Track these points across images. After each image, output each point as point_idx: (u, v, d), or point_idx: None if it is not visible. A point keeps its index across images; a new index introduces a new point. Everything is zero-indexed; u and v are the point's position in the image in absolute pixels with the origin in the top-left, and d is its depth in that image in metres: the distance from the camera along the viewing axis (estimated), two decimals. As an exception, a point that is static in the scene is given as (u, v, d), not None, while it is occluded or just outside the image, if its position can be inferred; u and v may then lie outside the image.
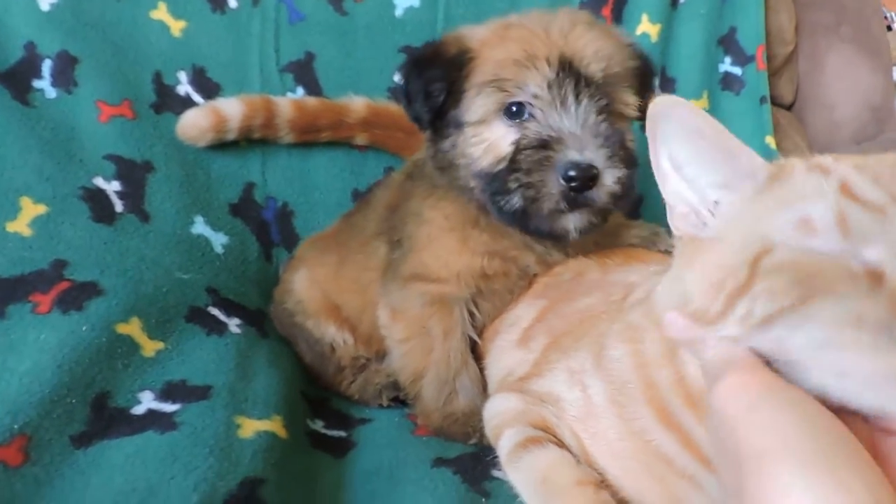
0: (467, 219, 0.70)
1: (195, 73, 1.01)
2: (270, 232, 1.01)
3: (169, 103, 0.98)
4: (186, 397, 0.62)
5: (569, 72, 0.63)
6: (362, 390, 0.81)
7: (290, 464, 0.59)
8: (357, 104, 1.02)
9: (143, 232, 0.85)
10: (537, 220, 0.64)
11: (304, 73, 1.07)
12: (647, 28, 1.20)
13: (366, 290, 0.79)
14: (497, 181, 0.64)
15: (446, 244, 0.70)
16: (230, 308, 0.84)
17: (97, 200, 0.84)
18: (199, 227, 0.92)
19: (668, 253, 0.71)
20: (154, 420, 0.58)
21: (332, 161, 1.06)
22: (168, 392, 0.63)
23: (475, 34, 0.69)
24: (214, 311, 0.81)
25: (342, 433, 0.72)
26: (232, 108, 0.95)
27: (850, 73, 1.41)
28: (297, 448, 0.63)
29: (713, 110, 1.22)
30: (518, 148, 0.63)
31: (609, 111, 0.65)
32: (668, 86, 1.22)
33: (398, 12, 1.14)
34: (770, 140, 1.16)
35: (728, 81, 1.23)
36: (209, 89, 1.02)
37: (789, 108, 1.45)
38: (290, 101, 1.00)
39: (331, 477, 0.62)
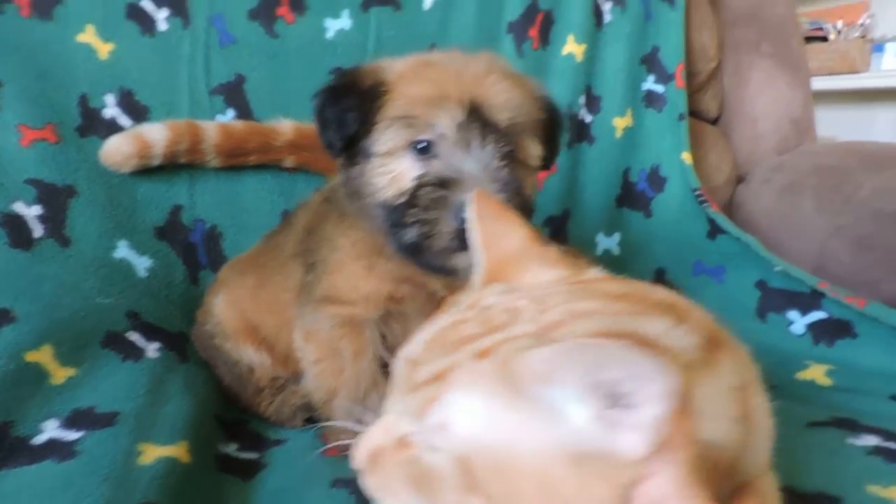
0: (374, 247, 0.72)
1: (123, 96, 1.02)
2: (198, 254, 1.03)
3: (95, 126, 0.99)
4: (91, 425, 0.63)
5: (477, 116, 0.64)
6: (279, 412, 0.83)
7: (192, 489, 0.61)
8: (285, 127, 1.04)
9: (62, 257, 0.86)
10: (429, 256, 0.66)
11: (234, 95, 1.09)
12: (572, 48, 1.24)
13: (283, 310, 0.81)
14: (396, 214, 0.66)
15: (354, 270, 0.72)
16: (150, 332, 0.85)
17: (14, 226, 0.84)
18: (123, 251, 0.93)
19: None
20: (54, 449, 0.59)
21: (261, 183, 1.08)
22: (73, 420, 0.64)
23: (393, 67, 0.70)
24: (133, 337, 0.82)
25: (254, 455, 0.74)
26: (156, 134, 0.96)
27: (772, 88, 1.47)
28: (202, 472, 0.65)
29: (637, 127, 1.27)
30: (419, 184, 0.65)
31: (512, 158, 0.67)
32: (594, 103, 1.27)
33: (329, 35, 1.16)
34: (686, 156, 1.21)
35: (651, 99, 1.28)
36: (137, 112, 1.03)
37: (714, 122, 1.50)
38: (216, 126, 1.01)
39: (237, 500, 0.64)
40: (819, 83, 2.94)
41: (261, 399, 0.85)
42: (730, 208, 1.42)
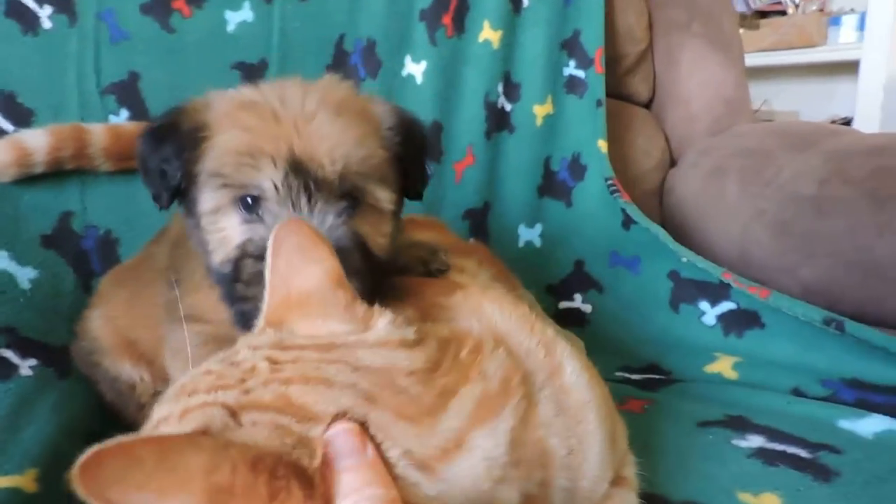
0: None
1: (4, 99, 0.98)
2: (91, 262, 0.99)
3: (-27, 132, 0.95)
4: (-70, 457, 0.60)
5: (299, 172, 0.56)
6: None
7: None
8: (178, 126, 1.00)
9: (-70, 273, 0.82)
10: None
11: (127, 94, 1.05)
12: (489, 35, 1.20)
13: (158, 325, 0.77)
14: (223, 284, 0.59)
15: (211, 295, 0.66)
16: (28, 348, 0.82)
17: None
18: (3, 262, 0.89)
19: (440, 272, 0.71)
20: None
21: None
22: (-87, 452, 0.61)
23: (218, 106, 0.62)
24: (7, 353, 0.79)
25: (123, 476, 0.71)
26: (37, 141, 0.92)
27: (703, 68, 1.44)
28: (49, 501, 0.62)
29: (558, 114, 1.24)
30: (241, 253, 0.57)
31: (358, 206, 0.60)
32: (513, 91, 1.23)
33: (230, 28, 1.11)
34: (602, 144, 1.18)
35: (572, 85, 1.24)
36: (20, 116, 0.98)
37: (647, 106, 1.47)
38: (104, 128, 0.97)
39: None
40: (778, 58, 2.92)
41: (143, 415, 0.82)
42: (661, 193, 1.40)
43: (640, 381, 0.92)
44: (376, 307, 0.44)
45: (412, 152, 0.65)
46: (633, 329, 1.05)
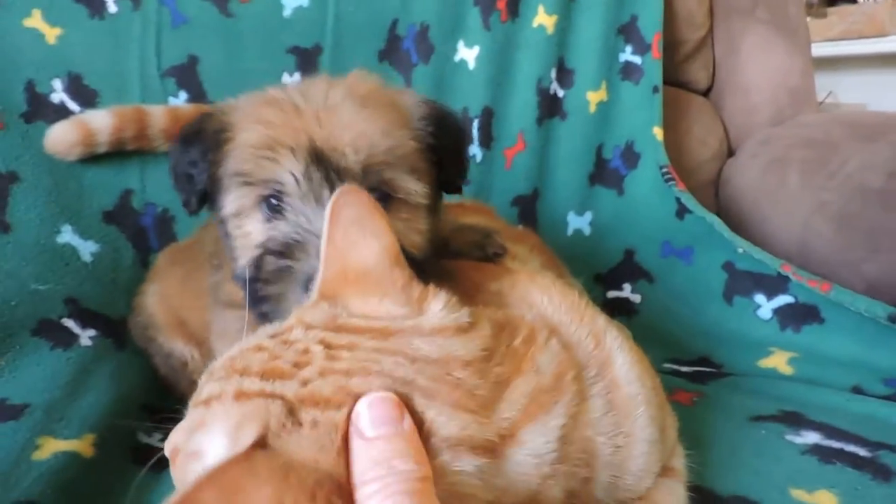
0: None
1: (71, 80, 1.01)
2: (149, 238, 1.02)
3: (42, 112, 0.98)
4: (-3, 418, 0.63)
5: (321, 163, 0.54)
6: None
7: (88, 483, 0.61)
8: (234, 108, 1.02)
9: (0, 244, 0.86)
10: None
11: (186, 77, 1.07)
12: (543, 20, 1.18)
13: (207, 308, 0.78)
14: (248, 289, 0.56)
15: None
16: (88, 319, 0.85)
17: (-48, 215, 0.85)
18: (67, 236, 0.93)
19: (497, 256, 0.70)
20: (-45, 443, 0.60)
21: None
22: (-18, 412, 0.65)
23: (242, 106, 0.61)
24: (69, 323, 0.82)
25: (174, 446, 0.73)
26: (101, 121, 0.95)
27: (767, 55, 1.39)
28: (106, 466, 0.65)
29: (612, 100, 1.21)
30: (263, 251, 0.55)
31: (386, 201, 0.57)
32: (567, 77, 1.21)
33: (286, 12, 1.13)
34: (657, 131, 1.15)
35: (628, 71, 1.22)
36: (86, 97, 1.02)
37: (705, 94, 1.43)
38: (163, 110, 1.00)
39: (140, 492, 0.63)
40: (845, 47, 2.79)
41: (193, 391, 0.84)
42: (717, 184, 1.36)
43: (690, 374, 0.90)
44: (431, 288, 0.43)
45: (447, 143, 0.63)
46: (683, 321, 1.02)
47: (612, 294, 1.13)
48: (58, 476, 0.58)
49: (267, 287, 0.54)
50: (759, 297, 0.97)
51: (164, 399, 0.85)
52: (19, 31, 0.99)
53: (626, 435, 0.47)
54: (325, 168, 0.54)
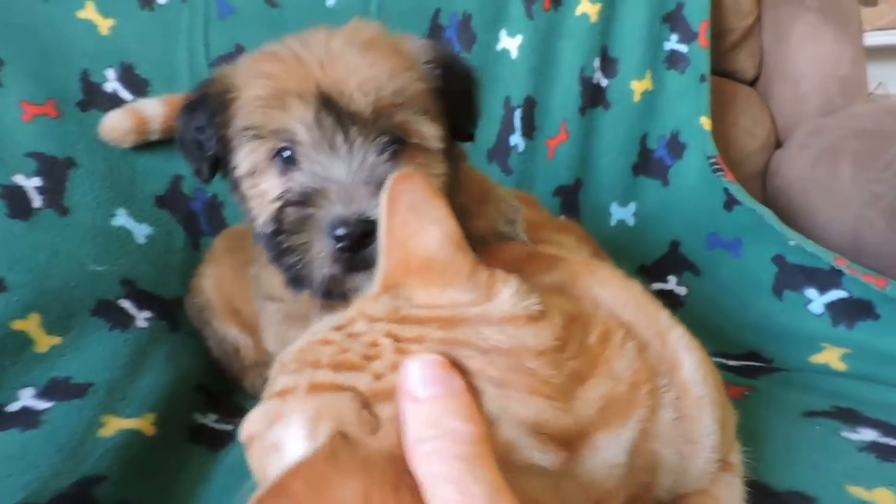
0: None
1: (123, 70, 1.04)
2: (199, 222, 1.04)
3: (96, 101, 1.01)
4: (63, 395, 0.66)
5: (330, 109, 0.53)
6: (253, 385, 0.84)
7: (150, 460, 0.63)
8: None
9: (59, 226, 0.88)
10: (317, 288, 0.55)
11: (234, 66, 1.09)
12: (586, 8, 1.17)
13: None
14: (269, 244, 0.55)
15: (272, 271, 0.66)
16: (144, 300, 0.87)
17: (14, 197, 0.87)
18: (122, 219, 0.95)
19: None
20: (22, 418, 0.62)
21: None
22: (48, 390, 0.67)
23: (242, 65, 0.60)
24: (125, 304, 0.84)
25: (229, 427, 0.75)
26: (153, 110, 0.97)
27: (816, 44, 1.35)
28: (166, 444, 0.66)
29: (657, 90, 1.19)
30: (283, 203, 0.54)
31: (402, 146, 0.56)
32: (610, 66, 1.20)
33: (330, 2, 1.14)
34: (704, 121, 1.13)
35: (673, 60, 1.20)
36: (137, 86, 1.04)
37: (752, 83, 1.40)
38: (212, 97, 1.01)
39: (198, 471, 0.65)
40: None
41: (245, 375, 0.86)
42: (764, 176, 1.33)
43: (738, 368, 0.88)
44: (500, 273, 0.41)
45: (455, 86, 0.61)
46: (730, 314, 1.00)
47: (656, 286, 1.11)
48: (122, 452, 0.60)
49: (290, 238, 0.53)
50: (811, 292, 0.95)
51: (217, 380, 0.87)
52: (73, 23, 1.02)
53: (692, 442, 0.46)
54: (336, 113, 0.53)
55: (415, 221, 0.42)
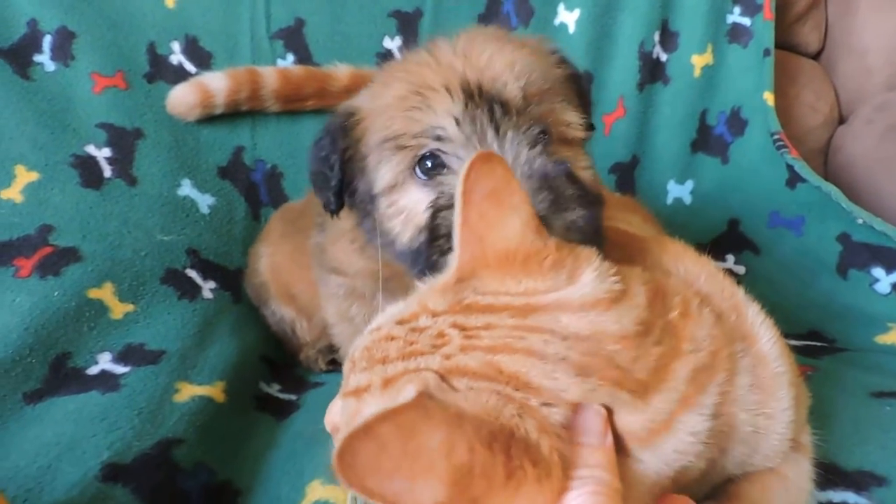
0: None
1: (188, 42, 1.06)
2: (259, 193, 1.06)
3: (162, 73, 1.03)
4: (139, 361, 0.68)
5: (479, 98, 0.49)
6: (307, 357, 0.86)
7: (222, 426, 0.65)
8: (341, 72, 1.04)
9: (128, 195, 0.91)
10: None
11: (294, 39, 1.10)
12: (647, -20, 1.15)
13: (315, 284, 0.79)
14: (420, 259, 0.52)
15: (345, 246, 0.68)
16: (208, 269, 0.90)
17: (87, 167, 0.90)
18: (186, 189, 0.98)
19: None
20: (102, 381, 0.65)
21: (320, 124, 1.03)
22: (124, 355, 0.70)
23: (363, 93, 0.59)
24: (192, 273, 0.87)
25: (292, 397, 0.77)
26: (218, 83, 0.99)
27: (885, 16, 1.30)
28: (235, 411, 0.69)
29: (718, 65, 1.17)
30: (435, 211, 0.51)
31: (547, 139, 0.52)
32: (670, 40, 1.18)
33: (391, -23, 1.13)
34: (768, 96, 1.10)
35: (736, 33, 1.16)
36: (201, 58, 1.06)
37: (815, 57, 1.36)
38: (275, 71, 1.03)
39: (266, 437, 0.67)
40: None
41: (301, 350, 0.88)
42: (827, 151, 1.30)
43: (800, 348, 0.87)
44: (584, 253, 0.40)
45: (578, 77, 0.59)
46: (791, 294, 0.99)
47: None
48: (197, 417, 0.63)
49: (449, 243, 0.48)
50: (878, 271, 0.92)
51: (278, 352, 0.90)
52: (142, -4, 1.04)
53: (767, 416, 0.45)
54: (486, 101, 0.49)
55: (494, 212, 0.40)
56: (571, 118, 0.54)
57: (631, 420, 0.36)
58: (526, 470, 0.32)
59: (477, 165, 0.40)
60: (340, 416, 0.40)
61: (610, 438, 0.35)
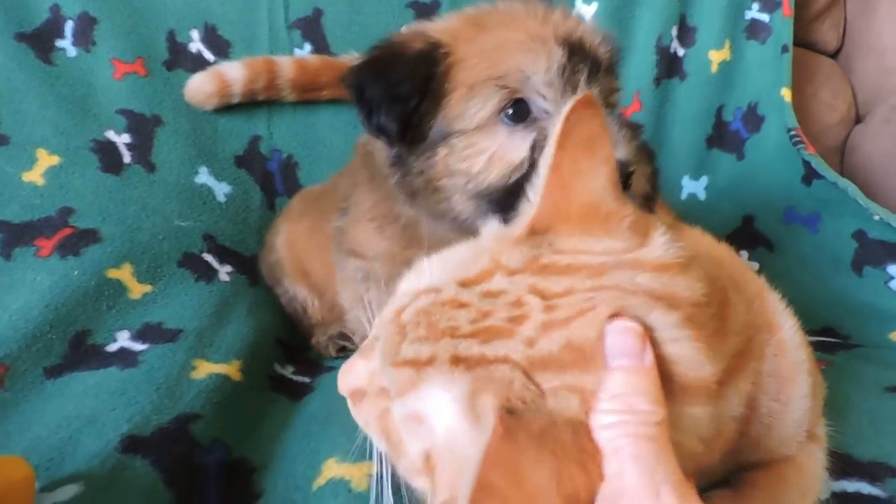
0: (388, 212, 0.67)
1: (207, 31, 1.06)
2: (275, 182, 1.07)
3: (181, 60, 1.04)
4: (157, 339, 0.69)
5: (580, 55, 0.54)
6: (318, 342, 0.87)
7: (238, 403, 0.65)
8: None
9: (147, 181, 0.92)
10: None
11: (311, 29, 1.10)
12: (666, -25, 1.14)
13: (329, 259, 0.80)
14: (514, 195, 0.50)
15: (367, 228, 0.69)
16: (224, 255, 0.90)
17: (107, 152, 0.91)
18: (203, 176, 0.99)
19: None
20: (121, 357, 0.65)
21: (335, 115, 1.10)
22: (142, 333, 0.70)
23: (439, 27, 0.59)
24: (208, 258, 0.88)
25: (306, 379, 0.78)
26: (235, 73, 1.00)
27: (906, 16, 1.29)
28: (251, 390, 0.69)
29: (736, 60, 1.16)
30: (534, 151, 0.54)
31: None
32: (688, 35, 1.17)
33: (406, -34, 1.14)
34: (785, 92, 1.10)
35: (754, 29, 1.16)
36: (220, 46, 1.07)
37: (834, 55, 1.35)
38: (291, 61, 1.03)
39: (280, 417, 0.67)
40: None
41: (311, 332, 0.88)
42: (843, 150, 1.29)
43: (815, 344, 0.86)
44: (654, 218, 0.39)
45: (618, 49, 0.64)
46: (806, 290, 0.98)
47: (727, 260, 1.10)
48: (214, 394, 0.63)
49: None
50: (893, 268, 0.92)
51: (293, 335, 0.90)
52: (162, -17, 1.04)
53: (782, 402, 0.45)
54: (584, 60, 0.54)
55: (586, 160, 0.37)
56: (617, 86, 0.60)
57: (694, 361, 0.34)
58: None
59: (579, 108, 0.37)
60: (376, 379, 0.38)
61: (649, 357, 0.32)
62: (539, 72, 0.53)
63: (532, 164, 0.52)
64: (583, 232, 0.37)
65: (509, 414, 0.30)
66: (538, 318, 0.33)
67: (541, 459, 0.29)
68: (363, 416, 0.41)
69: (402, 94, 0.56)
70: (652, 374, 0.32)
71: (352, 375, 0.41)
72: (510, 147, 0.54)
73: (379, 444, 0.39)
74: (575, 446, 0.30)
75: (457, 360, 0.33)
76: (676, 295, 0.35)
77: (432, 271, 0.39)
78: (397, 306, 0.38)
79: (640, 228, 0.37)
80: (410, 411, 0.34)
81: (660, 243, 0.36)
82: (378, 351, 0.37)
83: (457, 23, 0.59)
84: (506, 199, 0.53)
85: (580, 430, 0.30)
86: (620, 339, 0.32)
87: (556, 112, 0.52)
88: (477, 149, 0.55)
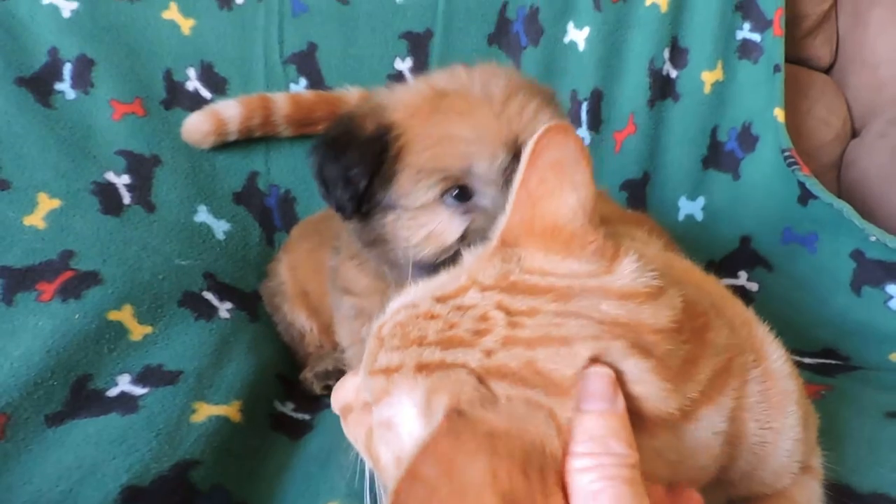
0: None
1: (203, 69, 1.08)
2: (273, 218, 1.08)
3: (179, 99, 1.05)
4: (157, 382, 0.70)
5: (517, 152, 0.56)
6: (305, 377, 0.87)
7: (238, 446, 0.66)
8: (352, 95, 1.06)
9: (147, 222, 0.93)
10: None
11: (306, 64, 1.12)
12: (656, -1, 1.15)
13: (326, 281, 0.82)
14: (431, 266, 0.58)
15: (350, 266, 0.72)
16: (225, 292, 0.91)
17: (107, 194, 0.93)
18: (202, 215, 1.00)
19: None
20: (122, 402, 0.66)
21: None
22: (143, 376, 0.71)
23: (398, 101, 0.62)
24: (208, 296, 0.89)
25: (306, 416, 0.78)
26: (231, 111, 1.01)
27: (898, 30, 1.30)
28: (251, 431, 0.70)
29: (728, 80, 1.17)
30: (465, 236, 0.58)
31: None
32: (680, 57, 1.18)
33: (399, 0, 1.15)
34: (778, 112, 1.10)
35: (746, 49, 1.17)
36: (216, 84, 1.08)
37: (827, 71, 1.36)
38: (286, 97, 1.05)
39: (281, 458, 0.68)
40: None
41: (308, 363, 0.89)
42: (840, 166, 1.29)
43: (814, 366, 0.87)
44: (624, 245, 0.39)
45: None
46: (805, 311, 0.98)
47: (726, 282, 1.09)
48: (213, 438, 0.64)
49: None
50: (892, 288, 0.92)
51: (293, 369, 0.91)
52: (158, 23, 1.06)
53: (775, 431, 0.45)
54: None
55: (554, 181, 0.40)
56: None
57: (663, 400, 0.35)
58: (559, 494, 0.31)
59: (550, 134, 0.40)
60: (360, 392, 0.40)
61: (621, 403, 0.33)
62: (482, 170, 0.57)
63: (459, 250, 0.56)
64: (546, 250, 0.39)
65: (458, 414, 0.32)
66: (500, 333, 0.35)
67: (478, 457, 0.30)
68: (352, 432, 0.42)
69: (354, 176, 0.60)
70: (624, 419, 0.33)
71: (342, 392, 0.43)
72: (448, 228, 0.59)
73: (366, 460, 0.41)
74: (520, 461, 0.30)
75: (421, 367, 0.35)
76: (641, 323, 0.36)
77: (416, 290, 0.41)
78: (381, 322, 0.40)
79: (608, 254, 0.38)
80: (383, 418, 0.36)
81: (628, 271, 0.37)
82: (361, 364, 0.39)
83: (417, 97, 0.62)
84: (435, 269, 0.56)
85: (533, 456, 0.31)
86: (597, 384, 0.33)
87: (494, 206, 0.57)
88: (418, 223, 0.60)
